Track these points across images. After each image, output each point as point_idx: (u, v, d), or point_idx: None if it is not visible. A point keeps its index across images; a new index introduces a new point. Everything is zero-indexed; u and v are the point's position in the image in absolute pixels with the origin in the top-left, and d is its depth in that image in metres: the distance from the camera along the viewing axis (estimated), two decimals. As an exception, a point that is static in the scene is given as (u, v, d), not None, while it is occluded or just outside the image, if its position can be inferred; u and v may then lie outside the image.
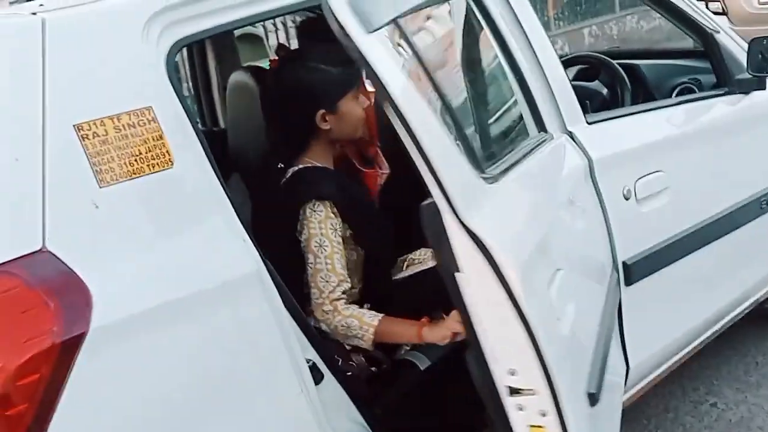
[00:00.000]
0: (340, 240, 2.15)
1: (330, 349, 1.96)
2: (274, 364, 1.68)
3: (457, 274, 1.59)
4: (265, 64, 3.71)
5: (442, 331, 2.04)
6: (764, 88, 2.80)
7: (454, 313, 1.95)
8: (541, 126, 2.25)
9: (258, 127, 2.71)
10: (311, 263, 2.12)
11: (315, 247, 2.12)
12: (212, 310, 1.59)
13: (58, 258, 1.44)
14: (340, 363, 2.01)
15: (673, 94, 3.16)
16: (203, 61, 3.42)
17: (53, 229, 1.45)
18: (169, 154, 1.59)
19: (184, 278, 1.57)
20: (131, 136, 1.56)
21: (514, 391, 1.63)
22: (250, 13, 1.87)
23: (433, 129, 1.56)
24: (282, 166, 2.25)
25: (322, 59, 2.20)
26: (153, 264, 1.54)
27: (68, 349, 1.40)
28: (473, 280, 1.58)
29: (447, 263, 1.59)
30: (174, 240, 1.59)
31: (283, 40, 8.51)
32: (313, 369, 1.79)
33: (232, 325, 1.62)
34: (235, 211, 1.69)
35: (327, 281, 2.11)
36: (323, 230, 2.12)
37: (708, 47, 2.83)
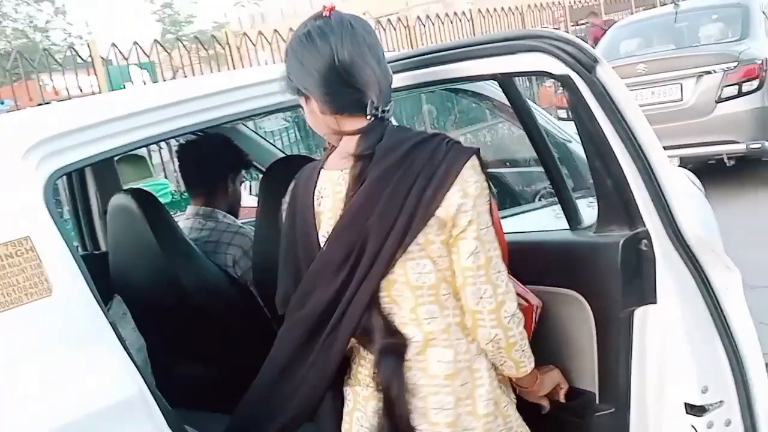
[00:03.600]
0: None
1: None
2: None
3: (641, 309, 1.76)
4: (146, 184, 3.78)
5: (553, 380, 1.91)
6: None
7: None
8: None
9: (140, 247, 2.75)
10: (477, 251, 1.66)
11: (478, 225, 1.66)
12: (97, 435, 1.59)
13: (-66, 393, 1.43)
14: None
15: (536, 199, 3.39)
16: (83, 185, 3.44)
17: (-72, 363, 1.44)
18: (47, 282, 1.62)
19: (68, 405, 1.57)
20: (8, 266, 1.58)
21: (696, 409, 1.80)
22: (129, 141, 1.93)
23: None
24: None
25: None
26: (36, 392, 1.55)
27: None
28: (674, 308, 1.76)
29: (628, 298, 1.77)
30: (54, 367, 1.59)
31: (166, 159, 8.57)
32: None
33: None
34: (116, 333, 1.72)
35: (499, 272, 1.69)
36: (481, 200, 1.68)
37: (562, 155, 3.07)
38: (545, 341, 2.06)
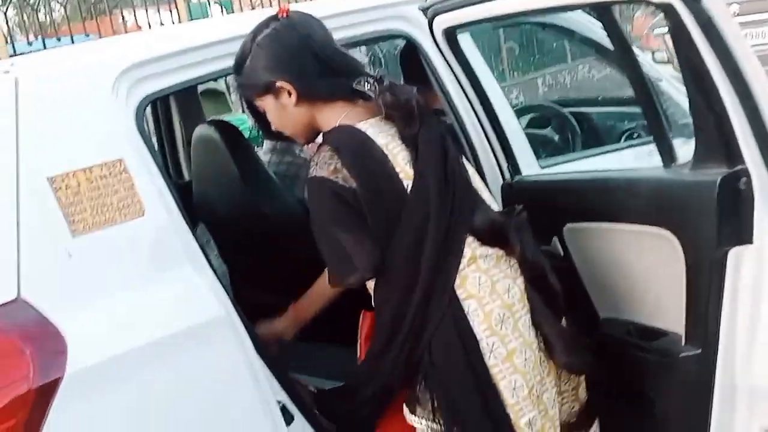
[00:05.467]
0: None
1: (299, 391, 2.00)
2: (245, 405, 1.72)
3: (736, 249, 1.72)
4: (228, 118, 3.81)
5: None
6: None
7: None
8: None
9: (222, 178, 2.79)
10: None
11: None
12: (184, 353, 1.63)
13: (33, 306, 1.49)
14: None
15: (622, 140, 3.30)
16: (168, 117, 3.49)
17: (28, 279, 1.50)
18: (140, 204, 1.65)
19: (156, 323, 1.62)
20: (103, 187, 1.61)
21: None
22: (215, 69, 1.95)
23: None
24: None
25: None
26: (125, 310, 1.59)
27: (44, 394, 1.45)
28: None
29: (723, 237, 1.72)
30: (146, 286, 1.64)
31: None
32: (284, 411, 1.83)
33: (204, 368, 1.66)
34: (205, 256, 1.75)
35: None
36: None
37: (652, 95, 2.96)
38: (632, 280, 2.03)
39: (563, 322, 1.87)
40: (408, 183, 1.74)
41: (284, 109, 1.81)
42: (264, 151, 3.18)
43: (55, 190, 1.56)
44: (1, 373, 1.43)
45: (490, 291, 1.73)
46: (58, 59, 1.97)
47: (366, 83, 1.80)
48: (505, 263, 1.78)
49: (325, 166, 1.73)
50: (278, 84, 1.77)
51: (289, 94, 1.78)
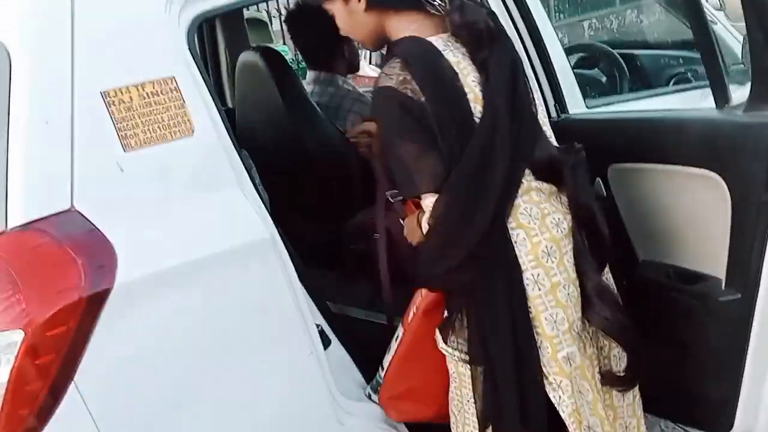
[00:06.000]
0: None
1: (335, 317, 2.04)
2: (286, 325, 1.76)
3: None
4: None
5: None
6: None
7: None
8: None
9: (266, 105, 2.79)
10: None
11: None
12: (228, 271, 1.66)
13: (86, 217, 1.52)
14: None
15: (670, 84, 3.24)
16: (213, 42, 3.48)
17: (81, 190, 1.53)
18: (190, 123, 1.66)
19: (204, 240, 1.65)
20: (155, 104, 1.63)
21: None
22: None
23: None
24: None
25: None
26: (174, 225, 1.62)
27: (94, 304, 1.48)
28: None
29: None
30: (193, 204, 1.66)
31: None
32: (322, 334, 1.87)
33: (247, 286, 1.70)
34: (251, 179, 1.77)
35: None
36: None
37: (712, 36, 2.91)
38: (674, 222, 2.02)
39: (606, 274, 1.84)
40: (476, 106, 1.68)
41: (353, 15, 1.78)
42: (307, 81, 3.17)
43: (108, 104, 1.57)
44: (54, 281, 1.47)
45: (540, 223, 1.70)
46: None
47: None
48: (556, 200, 1.75)
49: (394, 76, 1.67)
50: None
51: (359, 0, 1.75)
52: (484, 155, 1.66)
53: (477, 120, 1.68)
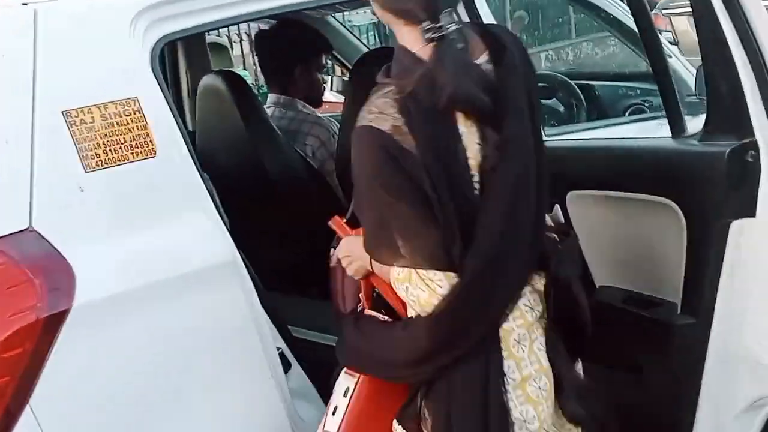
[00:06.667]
0: None
1: (296, 341, 2.03)
2: (246, 348, 1.75)
3: (738, 222, 1.73)
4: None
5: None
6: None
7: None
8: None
9: (228, 129, 2.79)
10: None
11: None
12: (189, 294, 1.65)
13: (44, 237, 1.50)
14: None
15: (626, 113, 3.31)
16: (174, 64, 3.48)
17: (40, 210, 1.51)
18: (152, 144, 1.65)
19: (164, 263, 1.63)
20: (117, 124, 1.61)
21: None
22: (231, 14, 1.94)
23: None
24: None
25: None
26: (134, 247, 1.60)
27: (51, 325, 1.47)
28: None
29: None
30: (155, 226, 1.65)
31: (246, 51, 8.57)
32: (282, 357, 1.86)
33: (208, 310, 1.68)
34: (213, 201, 1.76)
35: None
36: None
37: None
38: (631, 248, 2.05)
39: (578, 366, 1.68)
40: (475, 174, 1.47)
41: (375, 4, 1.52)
42: (267, 105, 3.18)
43: (70, 124, 1.56)
44: (10, 301, 1.44)
45: (512, 306, 1.52)
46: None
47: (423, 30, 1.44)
48: (534, 277, 1.56)
49: (387, 117, 1.42)
50: None
51: None
52: (495, 244, 1.46)
53: (476, 188, 1.47)
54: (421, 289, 1.46)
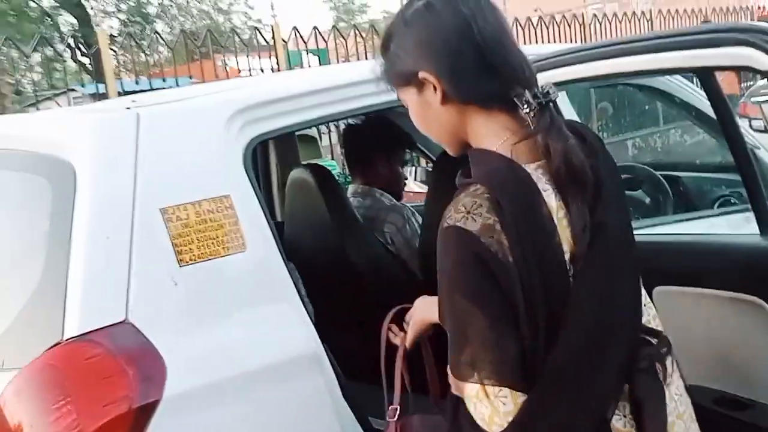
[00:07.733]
0: None
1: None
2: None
3: None
4: (321, 162, 3.94)
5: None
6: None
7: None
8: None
9: (313, 219, 2.87)
10: None
11: None
12: (274, 385, 1.69)
13: (138, 330, 1.57)
14: None
15: (715, 206, 3.25)
16: (266, 159, 3.62)
17: (136, 303, 1.59)
18: (242, 239, 1.73)
19: (250, 354, 1.68)
20: (210, 221, 1.70)
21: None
22: (317, 116, 2.04)
23: None
24: None
25: None
26: (223, 339, 1.66)
27: (142, 415, 1.52)
28: None
29: None
30: (243, 318, 1.71)
31: (334, 141, 8.85)
32: (364, 450, 1.86)
33: (292, 401, 1.72)
34: (299, 294, 1.81)
35: None
36: None
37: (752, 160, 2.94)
38: (720, 346, 2.00)
39: None
40: (569, 263, 1.30)
41: (428, 108, 1.39)
42: (348, 194, 3.26)
43: (167, 220, 1.65)
44: (105, 392, 1.51)
45: None
46: (174, 98, 2.08)
47: (525, 101, 1.31)
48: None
49: (478, 218, 1.26)
50: (421, 75, 1.35)
51: (435, 89, 1.36)
52: (592, 341, 1.30)
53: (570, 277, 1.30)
54: (485, 406, 1.27)
